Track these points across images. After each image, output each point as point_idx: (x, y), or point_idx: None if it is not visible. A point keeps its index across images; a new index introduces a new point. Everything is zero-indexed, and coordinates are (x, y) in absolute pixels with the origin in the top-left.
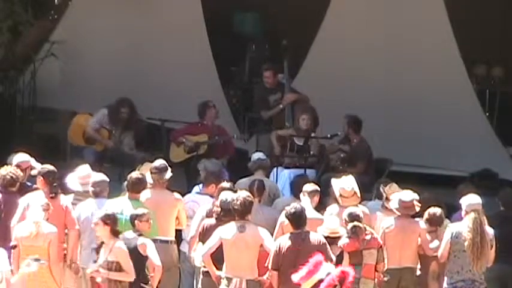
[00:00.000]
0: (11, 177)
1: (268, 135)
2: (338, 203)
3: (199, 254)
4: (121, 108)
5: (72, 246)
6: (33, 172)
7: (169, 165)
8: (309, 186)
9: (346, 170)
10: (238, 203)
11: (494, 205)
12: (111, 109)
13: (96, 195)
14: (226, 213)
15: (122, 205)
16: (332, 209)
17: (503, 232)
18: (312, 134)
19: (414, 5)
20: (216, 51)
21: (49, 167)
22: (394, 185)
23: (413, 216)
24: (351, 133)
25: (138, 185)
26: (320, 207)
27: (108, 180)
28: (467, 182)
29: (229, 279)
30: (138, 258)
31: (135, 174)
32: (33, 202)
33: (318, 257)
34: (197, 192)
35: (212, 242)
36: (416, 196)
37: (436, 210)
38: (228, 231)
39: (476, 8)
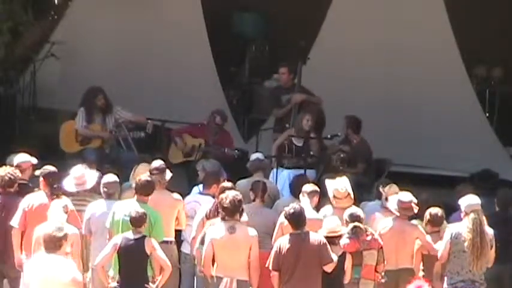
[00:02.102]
0: (9, 178)
1: (278, 134)
2: (332, 204)
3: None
4: (96, 96)
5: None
6: (37, 172)
7: (169, 166)
8: (309, 187)
9: (346, 171)
10: (228, 201)
11: (494, 205)
12: (85, 102)
13: (108, 196)
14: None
15: (129, 207)
16: (326, 210)
17: (499, 233)
18: (311, 135)
19: (414, 5)
20: (216, 51)
21: (50, 168)
22: (394, 186)
23: (411, 218)
24: (350, 133)
25: (147, 188)
26: (320, 207)
27: (118, 181)
28: (465, 182)
29: (219, 279)
30: (142, 258)
31: (144, 177)
32: (36, 203)
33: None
34: (199, 193)
35: (208, 247)
36: (414, 198)
37: (437, 211)
38: (218, 232)
39: (476, 8)
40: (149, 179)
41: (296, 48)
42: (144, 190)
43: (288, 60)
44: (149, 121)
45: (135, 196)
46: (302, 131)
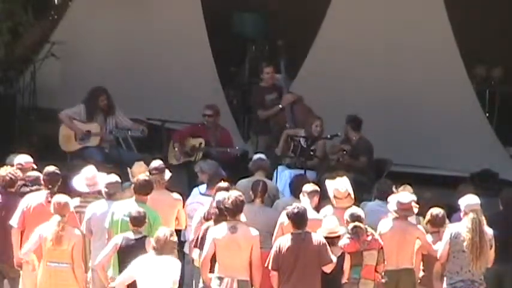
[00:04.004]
0: (10, 178)
1: (267, 137)
2: (332, 204)
3: (196, 257)
4: (99, 96)
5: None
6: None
7: (168, 166)
8: (309, 187)
9: (349, 163)
10: (230, 201)
11: (494, 205)
12: (89, 100)
13: (109, 196)
14: (222, 214)
15: (128, 207)
16: (326, 210)
17: (502, 232)
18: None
19: (414, 5)
20: (216, 51)
21: (50, 168)
22: (408, 187)
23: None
24: (349, 130)
25: (146, 187)
26: (320, 208)
27: (120, 181)
28: (467, 182)
29: (220, 279)
30: None
31: (142, 176)
32: (34, 203)
33: None
34: (201, 194)
35: (208, 247)
36: (414, 197)
37: (438, 211)
38: (219, 232)
39: (476, 8)
40: (147, 178)
41: (295, 48)
42: (143, 190)
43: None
44: (142, 127)
45: (134, 196)
46: (311, 135)
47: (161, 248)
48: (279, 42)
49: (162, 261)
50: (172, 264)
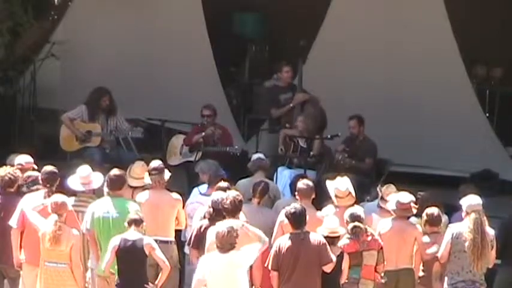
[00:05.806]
0: (10, 178)
1: (274, 135)
2: (333, 203)
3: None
4: (102, 97)
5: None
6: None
7: (168, 166)
8: (301, 185)
9: (355, 166)
10: (228, 202)
11: (495, 206)
12: (91, 100)
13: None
14: (218, 213)
15: (106, 205)
16: (327, 209)
17: None
18: (317, 136)
19: (414, 6)
20: (216, 51)
21: (49, 168)
22: (391, 186)
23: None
24: (362, 130)
25: (117, 182)
26: (321, 207)
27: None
28: (468, 182)
29: None
30: (142, 259)
31: (112, 172)
32: (32, 203)
33: None
34: (201, 194)
35: (208, 246)
36: (413, 198)
37: (434, 210)
38: None
39: (476, 8)
40: (118, 173)
41: (296, 47)
42: (115, 185)
43: (287, 59)
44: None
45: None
46: (297, 131)
47: (220, 244)
48: (302, 42)
49: (228, 259)
50: (239, 256)
